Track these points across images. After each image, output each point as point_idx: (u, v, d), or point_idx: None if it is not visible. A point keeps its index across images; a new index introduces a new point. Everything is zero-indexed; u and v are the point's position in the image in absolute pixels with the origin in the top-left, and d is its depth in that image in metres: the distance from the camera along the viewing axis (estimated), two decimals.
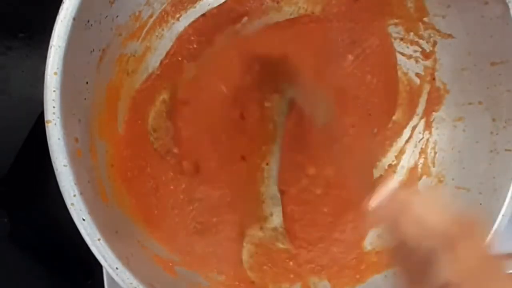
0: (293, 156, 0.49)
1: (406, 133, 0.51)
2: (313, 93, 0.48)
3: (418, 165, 0.51)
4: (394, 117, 0.51)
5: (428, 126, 0.50)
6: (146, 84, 0.46)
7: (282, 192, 0.49)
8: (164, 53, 0.47)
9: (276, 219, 0.50)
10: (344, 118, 0.49)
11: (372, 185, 0.51)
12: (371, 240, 0.49)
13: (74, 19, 0.34)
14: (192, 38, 0.47)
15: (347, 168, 0.48)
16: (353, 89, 0.50)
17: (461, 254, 0.27)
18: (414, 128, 0.51)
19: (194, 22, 0.47)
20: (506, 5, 0.40)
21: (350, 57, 0.49)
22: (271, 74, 0.47)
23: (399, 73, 0.50)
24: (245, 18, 0.48)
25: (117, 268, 0.35)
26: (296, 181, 0.49)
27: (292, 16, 0.49)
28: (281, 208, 0.49)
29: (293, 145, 0.49)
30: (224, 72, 0.48)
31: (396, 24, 0.49)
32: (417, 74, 0.50)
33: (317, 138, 0.48)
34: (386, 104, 0.51)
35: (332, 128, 0.49)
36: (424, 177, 0.50)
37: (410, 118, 0.51)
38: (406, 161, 0.51)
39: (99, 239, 0.35)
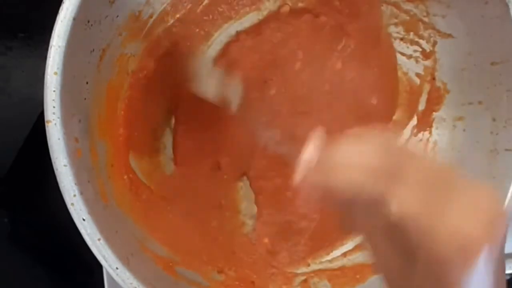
0: None
1: (406, 133, 0.51)
2: None
3: None
4: (394, 117, 0.51)
5: (428, 126, 0.50)
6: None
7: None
8: None
9: None
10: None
11: None
12: None
13: (74, 19, 0.34)
14: None
15: None
16: (353, 89, 0.50)
17: (406, 178, 0.24)
18: (414, 128, 0.51)
19: None
20: (506, 5, 0.40)
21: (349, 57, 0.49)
22: None
23: (399, 73, 0.50)
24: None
25: (117, 268, 0.35)
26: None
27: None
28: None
29: None
30: None
31: (396, 24, 0.49)
32: (417, 74, 0.50)
33: None
34: (386, 104, 0.51)
35: None
36: None
37: (410, 118, 0.51)
38: None
39: (99, 239, 0.35)
